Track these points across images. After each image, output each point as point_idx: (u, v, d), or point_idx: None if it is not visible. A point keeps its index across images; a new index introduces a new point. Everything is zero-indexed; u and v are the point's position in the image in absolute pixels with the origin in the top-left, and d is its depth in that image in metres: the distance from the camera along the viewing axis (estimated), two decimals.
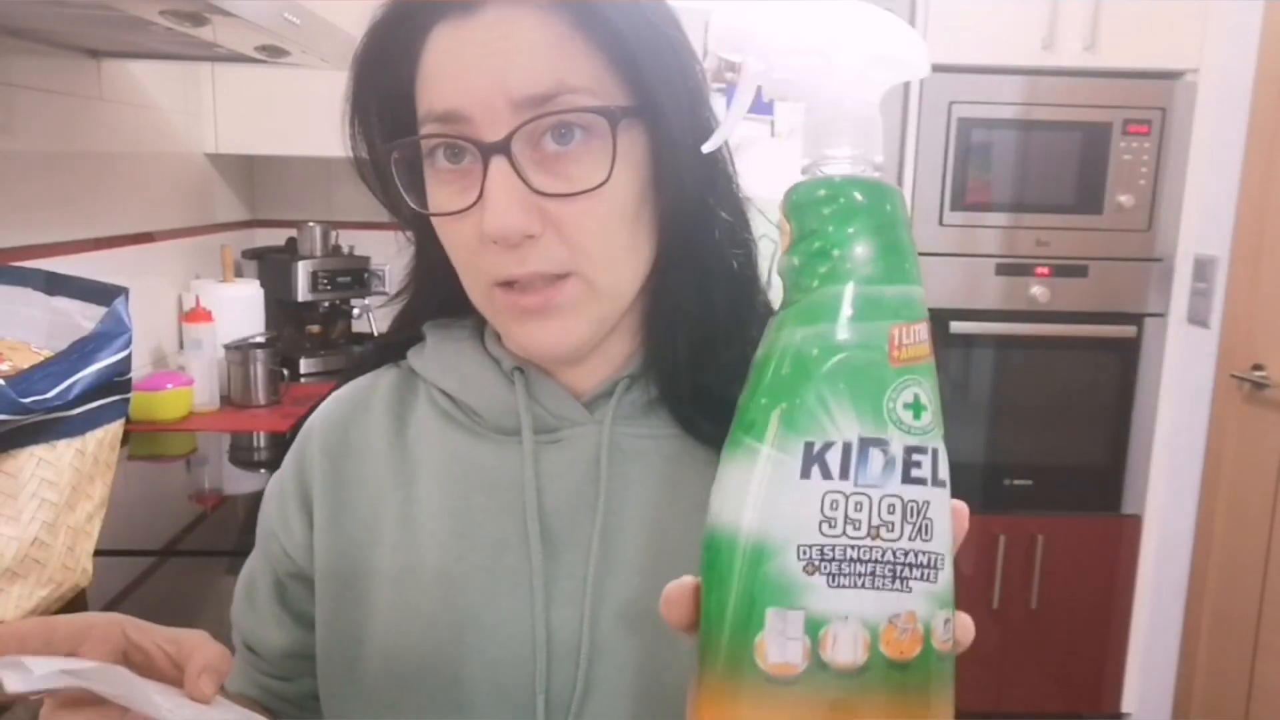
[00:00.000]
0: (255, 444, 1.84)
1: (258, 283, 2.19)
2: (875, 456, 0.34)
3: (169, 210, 2.06)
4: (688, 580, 0.37)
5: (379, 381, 0.67)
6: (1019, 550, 2.44)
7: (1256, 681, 2.21)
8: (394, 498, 0.63)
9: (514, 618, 0.58)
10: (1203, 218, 2.30)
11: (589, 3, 0.53)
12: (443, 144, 0.55)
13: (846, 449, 0.34)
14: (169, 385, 1.84)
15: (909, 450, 0.34)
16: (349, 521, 0.63)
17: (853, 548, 0.33)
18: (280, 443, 1.78)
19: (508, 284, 0.56)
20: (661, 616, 0.37)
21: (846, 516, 0.33)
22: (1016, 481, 2.44)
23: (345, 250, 2.37)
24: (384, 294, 2.31)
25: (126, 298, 1.10)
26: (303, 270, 2.23)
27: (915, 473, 0.34)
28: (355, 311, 2.41)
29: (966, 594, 2.44)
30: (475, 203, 0.54)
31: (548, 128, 0.53)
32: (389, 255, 2.29)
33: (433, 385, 0.65)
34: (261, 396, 1.99)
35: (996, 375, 2.41)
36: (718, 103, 0.57)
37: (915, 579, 0.34)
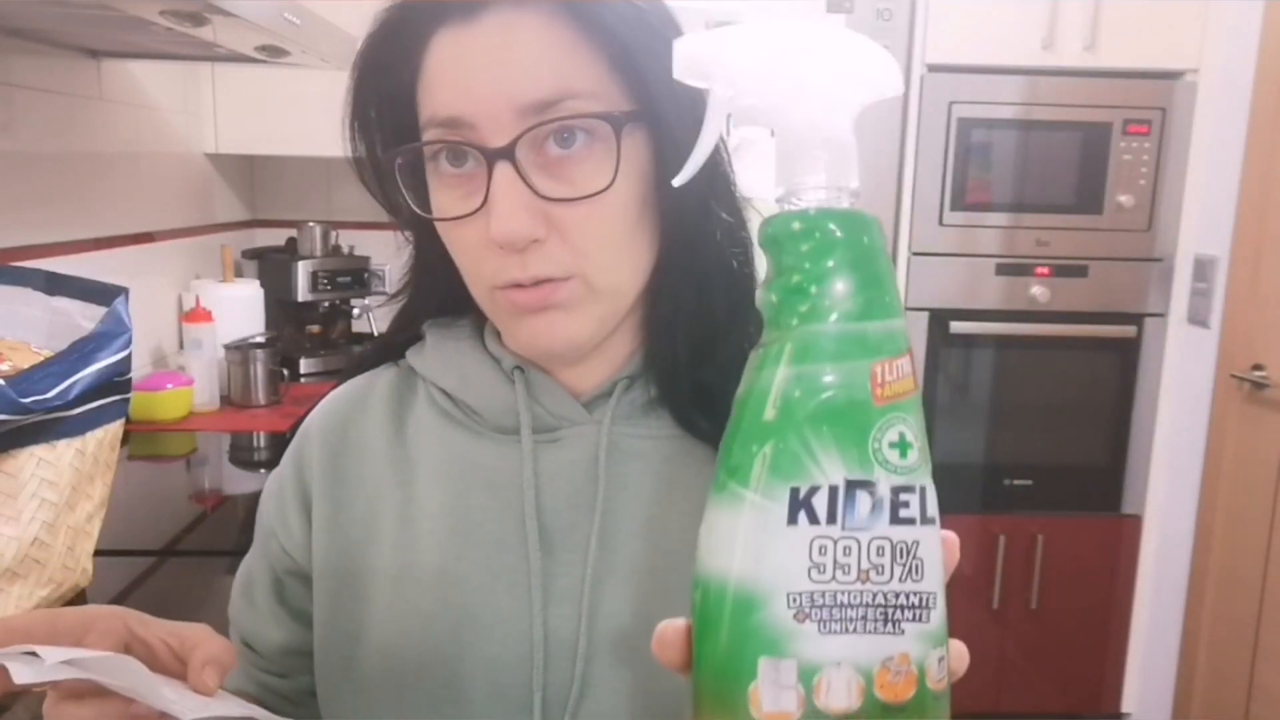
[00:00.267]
0: (255, 444, 1.84)
1: (258, 283, 2.19)
2: (862, 499, 0.33)
3: (169, 210, 2.07)
4: (680, 622, 0.36)
5: (377, 380, 0.68)
6: (1019, 550, 2.44)
7: (1256, 682, 2.21)
8: (392, 496, 0.63)
9: (512, 617, 0.58)
10: (1203, 218, 2.30)
11: (589, 7, 0.53)
12: (446, 148, 0.55)
13: (833, 493, 0.33)
14: (169, 385, 1.84)
15: (896, 490, 0.34)
16: (347, 520, 0.63)
17: (843, 592, 0.33)
18: (280, 443, 1.77)
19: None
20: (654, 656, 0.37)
21: (835, 561, 0.33)
22: (1016, 481, 2.44)
23: (345, 250, 2.37)
24: (384, 294, 2.30)
25: (126, 298, 1.10)
26: (303, 270, 2.23)
27: (904, 513, 0.34)
28: (355, 311, 2.41)
29: (966, 594, 2.46)
30: (480, 208, 0.54)
31: (551, 132, 0.53)
32: (389, 255, 2.28)
33: (432, 384, 0.65)
34: (261, 396, 1.99)
35: (996, 375, 2.40)
36: None
37: (907, 620, 0.34)
